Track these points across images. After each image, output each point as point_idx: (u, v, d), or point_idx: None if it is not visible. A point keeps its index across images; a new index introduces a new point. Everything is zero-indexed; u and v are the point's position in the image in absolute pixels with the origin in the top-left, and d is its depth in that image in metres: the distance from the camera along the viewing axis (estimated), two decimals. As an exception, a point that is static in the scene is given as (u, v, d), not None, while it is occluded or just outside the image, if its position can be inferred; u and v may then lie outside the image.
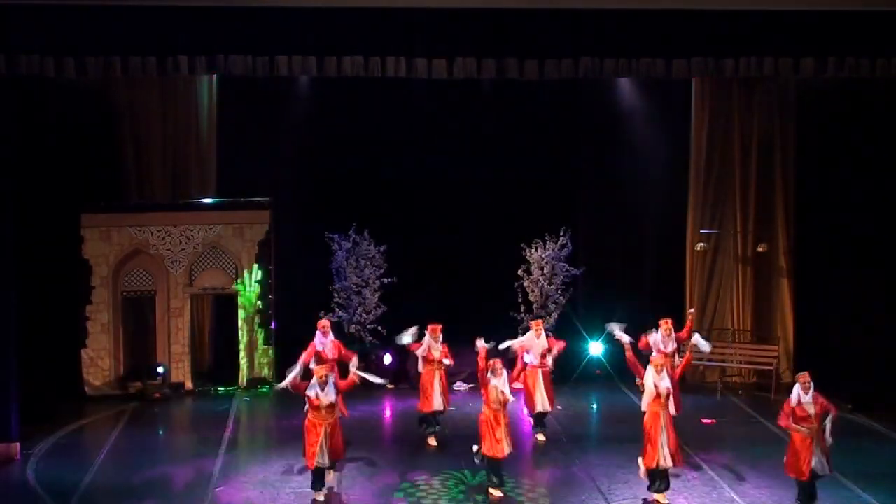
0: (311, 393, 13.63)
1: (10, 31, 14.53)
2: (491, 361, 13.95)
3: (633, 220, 20.71)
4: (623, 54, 15.38)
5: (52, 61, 14.73)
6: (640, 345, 15.42)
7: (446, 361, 15.77)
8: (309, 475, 13.94)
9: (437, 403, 16.14)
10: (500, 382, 13.87)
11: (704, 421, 17.41)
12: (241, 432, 17.13)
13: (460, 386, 18.81)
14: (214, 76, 19.14)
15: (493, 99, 19.93)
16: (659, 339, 15.83)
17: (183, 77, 18.35)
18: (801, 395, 13.11)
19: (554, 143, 20.43)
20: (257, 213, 19.45)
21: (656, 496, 13.70)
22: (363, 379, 14.12)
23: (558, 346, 16.48)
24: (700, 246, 19.71)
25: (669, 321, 16.00)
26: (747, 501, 13.80)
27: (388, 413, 18.23)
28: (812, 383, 13.13)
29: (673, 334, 15.92)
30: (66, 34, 14.68)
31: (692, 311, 17.31)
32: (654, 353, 14.93)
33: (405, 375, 19.12)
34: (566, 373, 19.91)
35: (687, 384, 19.52)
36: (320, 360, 15.52)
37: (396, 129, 20.09)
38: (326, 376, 13.70)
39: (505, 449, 13.88)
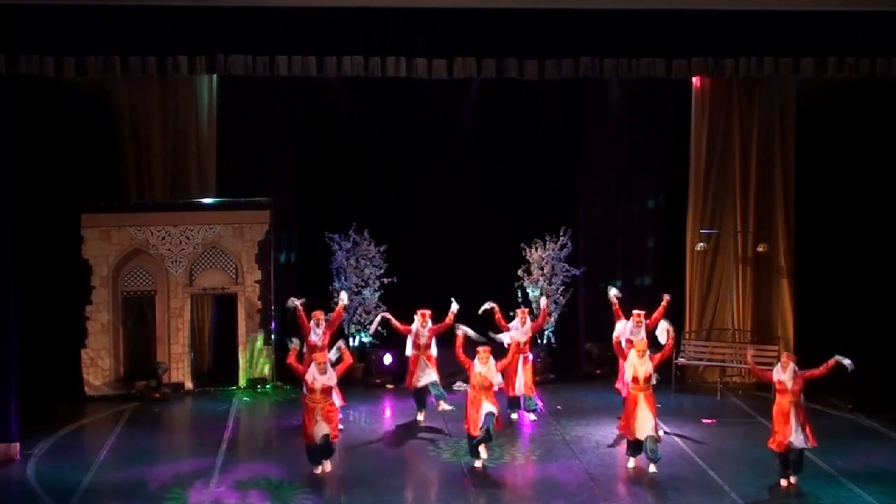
0: (308, 377, 14.44)
1: (10, 31, 14.52)
2: (479, 349, 14.82)
3: (633, 220, 20.71)
4: (623, 54, 15.38)
5: (52, 61, 14.69)
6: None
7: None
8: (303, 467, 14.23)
9: (422, 382, 16.98)
10: (484, 369, 14.70)
11: (704, 421, 17.40)
12: (241, 432, 17.13)
13: (460, 385, 18.80)
14: (214, 76, 19.13)
15: (493, 99, 19.92)
16: (628, 328, 16.70)
17: (183, 77, 18.33)
18: (779, 373, 14.15)
19: (554, 142, 20.43)
20: (257, 213, 19.43)
21: (632, 458, 14.89)
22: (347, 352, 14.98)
23: (540, 320, 17.77)
24: (700, 246, 19.69)
25: (642, 313, 16.78)
26: (748, 502, 13.80)
27: (388, 413, 18.23)
28: (793, 365, 14.13)
29: (643, 324, 16.73)
30: (66, 34, 14.65)
31: (667, 296, 17.36)
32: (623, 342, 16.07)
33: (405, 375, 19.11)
34: (566, 372, 20.07)
35: (687, 384, 19.58)
36: (312, 350, 16.00)
37: (396, 128, 20.12)
38: (325, 363, 14.47)
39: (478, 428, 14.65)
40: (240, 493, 14.04)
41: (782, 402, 14.10)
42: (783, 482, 14.24)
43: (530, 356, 17.49)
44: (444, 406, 16.81)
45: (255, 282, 19.46)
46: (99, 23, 14.70)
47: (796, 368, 14.15)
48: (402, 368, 19.16)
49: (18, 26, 14.52)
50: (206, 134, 19.68)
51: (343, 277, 19.60)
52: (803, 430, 14.03)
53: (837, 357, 14.01)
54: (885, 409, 17.61)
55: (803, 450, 14.13)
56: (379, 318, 18.00)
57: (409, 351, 17.15)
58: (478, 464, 14.81)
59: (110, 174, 19.31)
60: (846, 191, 19.26)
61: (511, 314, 17.54)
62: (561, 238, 19.93)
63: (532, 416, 17.33)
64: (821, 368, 14.17)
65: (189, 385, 19.25)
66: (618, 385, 16.80)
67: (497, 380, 14.87)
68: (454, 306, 16.91)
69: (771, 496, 14.03)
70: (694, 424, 17.09)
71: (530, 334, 17.40)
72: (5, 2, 14.44)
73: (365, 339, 19.72)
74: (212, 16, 14.90)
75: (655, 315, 16.99)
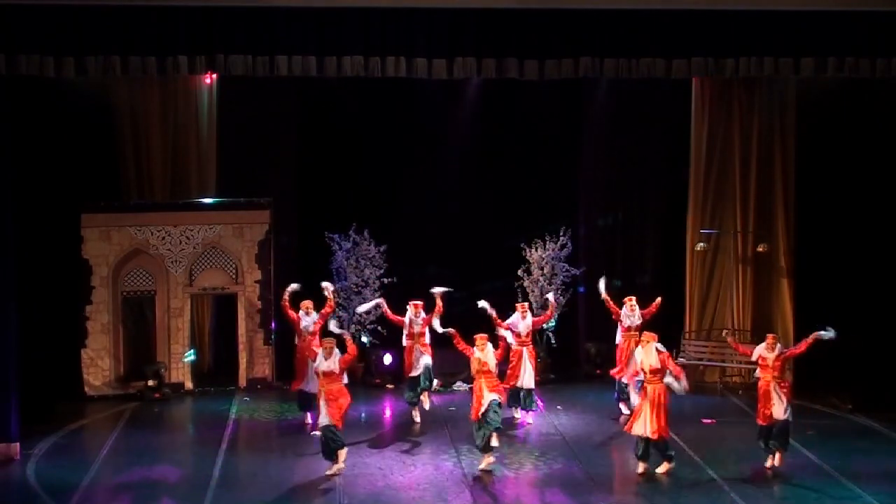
0: (317, 361, 14.62)
1: (10, 31, 14.52)
2: (475, 337, 14.93)
3: (633, 220, 20.74)
4: (623, 54, 15.40)
5: (52, 61, 14.72)
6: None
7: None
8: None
9: (418, 370, 17.14)
10: (482, 355, 14.87)
11: (704, 421, 17.41)
12: (241, 432, 17.12)
13: (460, 385, 18.85)
14: (214, 76, 19.13)
15: (493, 99, 19.93)
16: (623, 315, 17.21)
17: (183, 77, 18.34)
18: (763, 350, 14.84)
19: (554, 142, 20.45)
20: (257, 213, 19.44)
21: (639, 463, 14.66)
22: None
23: (545, 315, 17.92)
24: (700, 246, 19.69)
25: (633, 298, 17.33)
26: (748, 502, 13.80)
27: (388, 413, 18.23)
28: (779, 345, 14.90)
29: (637, 311, 17.22)
30: (66, 34, 14.66)
31: (659, 299, 17.59)
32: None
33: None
34: (566, 372, 20.09)
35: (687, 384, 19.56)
36: (301, 336, 16.65)
37: (396, 128, 20.13)
38: (332, 349, 14.55)
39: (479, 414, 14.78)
40: (239, 493, 14.05)
41: (764, 378, 14.74)
42: (768, 462, 14.83)
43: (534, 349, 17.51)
44: (426, 403, 17.19)
45: (255, 282, 19.47)
46: (99, 23, 14.72)
47: (782, 349, 14.96)
48: (402, 367, 19.22)
49: (18, 26, 14.53)
50: (206, 134, 19.70)
51: (343, 277, 19.60)
52: (784, 403, 14.60)
53: (817, 333, 14.49)
54: (885, 409, 17.61)
55: (787, 422, 14.63)
56: (375, 302, 17.99)
57: (405, 341, 17.32)
58: (482, 466, 14.77)
59: (110, 174, 19.33)
60: (846, 191, 19.26)
61: (510, 312, 17.55)
62: (561, 238, 19.94)
63: (529, 420, 17.28)
64: (801, 345, 14.80)
65: (189, 385, 19.25)
66: (620, 375, 17.31)
67: (493, 364, 14.88)
68: (437, 291, 17.07)
69: (772, 496, 14.03)
70: (694, 424, 17.09)
71: (531, 328, 17.37)
72: (5, 2, 14.45)
73: (364, 340, 19.71)
74: (212, 16, 14.92)
75: (649, 310, 17.31)
